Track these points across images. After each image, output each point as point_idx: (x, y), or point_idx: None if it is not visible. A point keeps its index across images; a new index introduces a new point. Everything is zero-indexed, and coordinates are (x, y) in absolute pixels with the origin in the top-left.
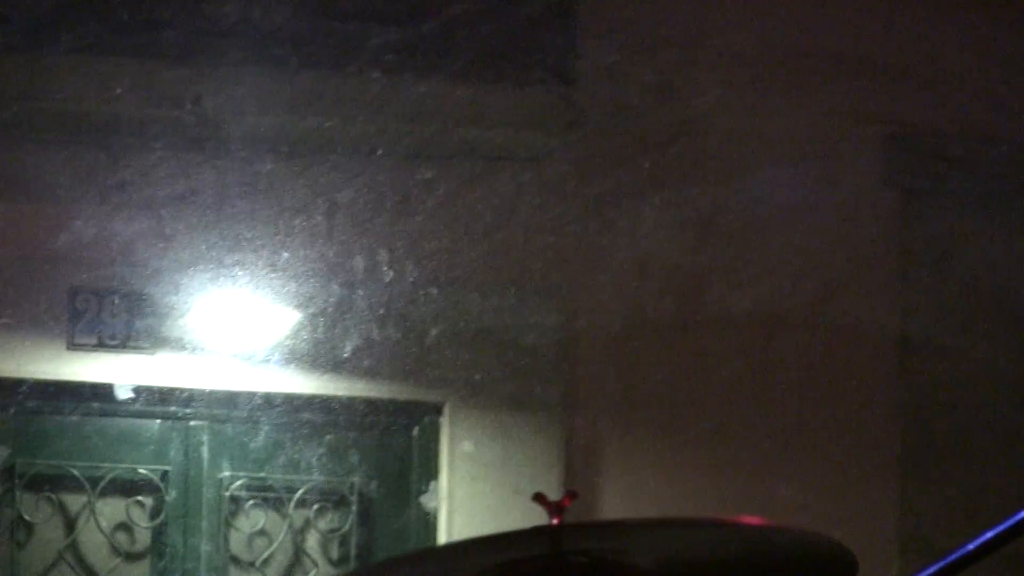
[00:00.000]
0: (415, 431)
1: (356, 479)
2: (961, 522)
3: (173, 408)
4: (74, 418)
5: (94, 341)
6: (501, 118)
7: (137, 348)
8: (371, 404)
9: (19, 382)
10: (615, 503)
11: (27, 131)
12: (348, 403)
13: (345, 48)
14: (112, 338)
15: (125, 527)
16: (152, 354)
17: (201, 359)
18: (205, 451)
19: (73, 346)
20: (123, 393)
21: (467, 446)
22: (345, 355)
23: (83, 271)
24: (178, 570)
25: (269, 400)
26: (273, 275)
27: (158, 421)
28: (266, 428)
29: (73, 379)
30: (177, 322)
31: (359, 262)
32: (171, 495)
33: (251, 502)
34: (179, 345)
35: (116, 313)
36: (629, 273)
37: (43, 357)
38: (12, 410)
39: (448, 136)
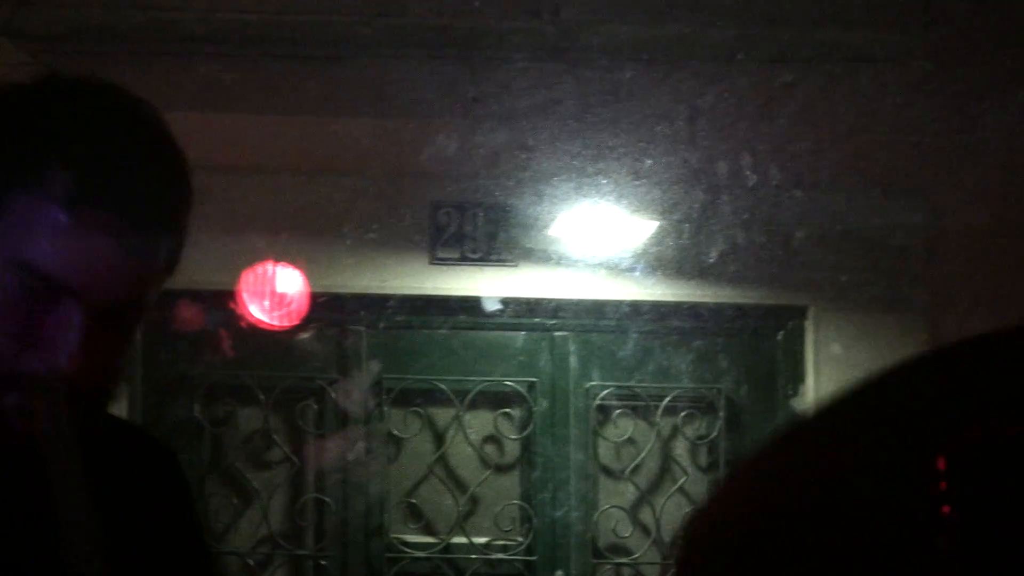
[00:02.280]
0: (780, 335)
1: (723, 385)
2: None
3: (539, 319)
4: (440, 332)
5: (456, 255)
6: (861, 19)
7: (500, 261)
8: (737, 309)
9: (384, 298)
10: None
11: (388, 47)
12: (715, 309)
13: None
14: (474, 251)
15: (493, 439)
16: (515, 266)
17: (566, 269)
18: (573, 361)
19: (436, 260)
20: (490, 306)
21: (835, 349)
22: (711, 261)
23: (445, 185)
24: (549, 480)
25: (636, 308)
26: (636, 183)
27: (524, 333)
28: (633, 336)
29: (436, 293)
30: (541, 233)
31: (722, 167)
32: (539, 406)
33: (619, 411)
34: (543, 256)
35: (478, 226)
36: (995, 171)
37: (406, 272)
38: (381, 325)
39: (808, 39)
